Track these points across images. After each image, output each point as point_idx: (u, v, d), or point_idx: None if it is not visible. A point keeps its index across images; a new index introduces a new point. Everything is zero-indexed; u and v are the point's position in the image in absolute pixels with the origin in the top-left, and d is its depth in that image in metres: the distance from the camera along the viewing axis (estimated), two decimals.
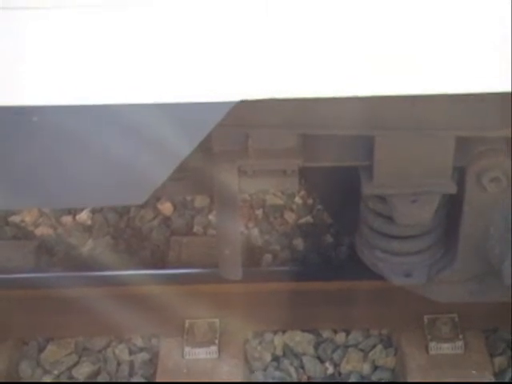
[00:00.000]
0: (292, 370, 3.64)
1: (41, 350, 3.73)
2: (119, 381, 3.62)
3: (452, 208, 3.01)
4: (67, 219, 4.35)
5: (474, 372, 3.49)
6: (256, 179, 2.84)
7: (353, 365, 3.66)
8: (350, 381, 3.61)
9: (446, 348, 3.56)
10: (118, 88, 2.15)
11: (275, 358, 3.70)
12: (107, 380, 3.62)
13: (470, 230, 2.98)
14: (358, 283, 3.63)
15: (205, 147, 2.60)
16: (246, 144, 2.73)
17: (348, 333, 3.76)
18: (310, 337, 3.74)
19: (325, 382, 3.61)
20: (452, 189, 2.86)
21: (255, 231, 4.25)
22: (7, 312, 3.65)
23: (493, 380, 3.48)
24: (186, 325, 3.64)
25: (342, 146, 2.81)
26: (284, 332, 3.75)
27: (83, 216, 4.35)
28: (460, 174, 2.85)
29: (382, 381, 3.61)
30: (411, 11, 2.08)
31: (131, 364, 3.68)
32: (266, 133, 2.72)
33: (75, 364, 3.68)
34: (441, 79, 2.17)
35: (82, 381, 3.62)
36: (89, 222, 4.34)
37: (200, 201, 4.43)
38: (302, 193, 4.41)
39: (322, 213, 4.30)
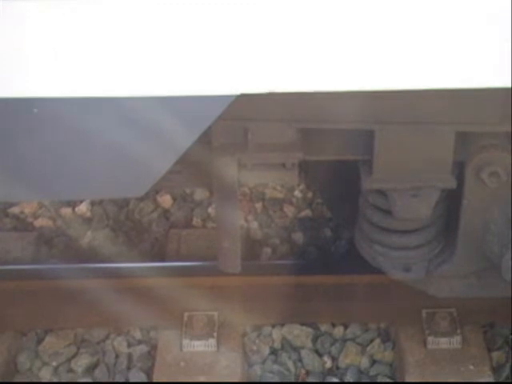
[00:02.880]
0: (290, 363, 3.64)
1: (39, 341, 3.73)
2: (117, 373, 3.62)
3: (451, 203, 3.01)
4: (66, 211, 4.35)
5: (471, 367, 3.49)
6: (255, 172, 2.84)
7: (351, 359, 3.66)
8: (348, 374, 3.61)
9: (444, 342, 3.57)
10: (118, 81, 2.15)
11: (273, 352, 3.70)
12: (105, 372, 3.62)
13: (469, 225, 2.98)
14: (356, 277, 3.63)
15: (205, 140, 2.60)
16: (246, 137, 2.73)
17: (346, 327, 3.76)
18: (308, 330, 3.74)
19: (324, 382, 3.61)
20: (452, 183, 2.85)
21: (255, 224, 4.26)
22: (6, 303, 3.65)
23: (491, 375, 3.48)
24: (185, 317, 3.64)
25: (342, 140, 2.81)
26: (282, 325, 3.75)
27: (82, 208, 4.35)
28: (460, 169, 2.85)
29: (380, 376, 3.61)
30: (412, 7, 2.08)
31: (129, 356, 3.68)
32: (266, 126, 2.72)
33: (74, 356, 3.68)
34: (441, 74, 2.17)
35: (80, 372, 3.62)
36: (88, 214, 4.34)
37: (199, 194, 4.43)
38: (302, 186, 4.41)
39: (322, 206, 4.30)
